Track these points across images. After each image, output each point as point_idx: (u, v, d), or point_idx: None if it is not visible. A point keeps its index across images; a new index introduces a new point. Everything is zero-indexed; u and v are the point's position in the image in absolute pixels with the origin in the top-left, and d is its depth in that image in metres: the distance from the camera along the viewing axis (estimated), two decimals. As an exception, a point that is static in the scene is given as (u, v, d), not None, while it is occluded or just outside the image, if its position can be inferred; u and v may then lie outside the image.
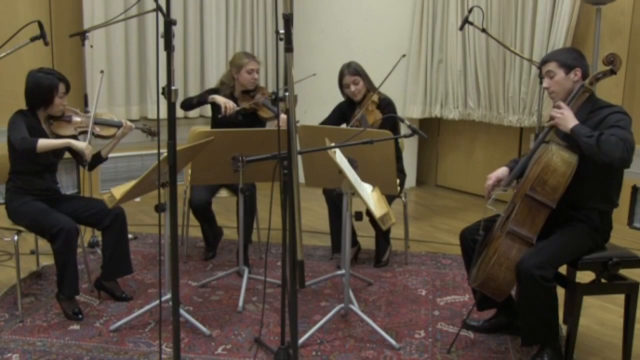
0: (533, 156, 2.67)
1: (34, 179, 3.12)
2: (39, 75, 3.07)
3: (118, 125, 3.34)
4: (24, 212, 3.06)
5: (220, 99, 3.76)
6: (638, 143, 4.38)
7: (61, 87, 3.10)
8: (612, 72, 2.57)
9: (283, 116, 3.74)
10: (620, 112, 2.51)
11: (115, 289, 3.27)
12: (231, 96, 3.88)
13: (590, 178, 2.53)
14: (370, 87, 3.84)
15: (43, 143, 2.96)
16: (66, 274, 3.00)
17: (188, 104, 3.93)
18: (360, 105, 3.83)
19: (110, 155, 3.41)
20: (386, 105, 3.81)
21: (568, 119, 2.49)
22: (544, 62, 2.67)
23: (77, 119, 3.26)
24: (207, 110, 4.15)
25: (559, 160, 2.48)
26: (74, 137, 3.20)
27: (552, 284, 2.46)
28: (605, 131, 2.41)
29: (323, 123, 3.92)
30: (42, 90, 3.06)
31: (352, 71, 3.79)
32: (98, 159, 3.32)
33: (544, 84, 2.67)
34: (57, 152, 3.17)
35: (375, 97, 3.80)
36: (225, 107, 3.71)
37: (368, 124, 3.70)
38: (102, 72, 3.68)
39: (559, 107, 2.55)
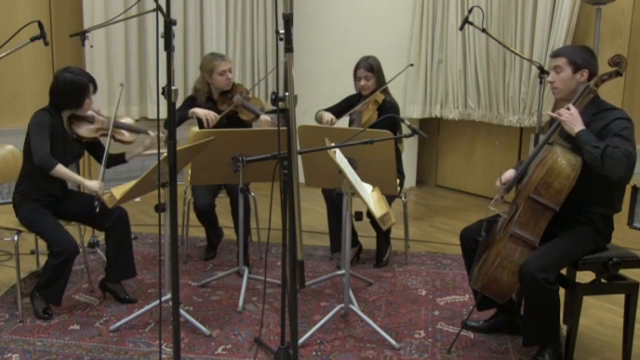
0: (536, 158, 2.66)
1: (45, 182, 3.08)
2: (69, 77, 3.02)
3: (138, 131, 3.33)
4: (33, 220, 3.04)
5: (200, 112, 3.64)
6: (638, 144, 4.40)
7: (91, 88, 3.08)
8: (618, 73, 2.55)
9: (263, 117, 3.74)
10: (624, 118, 2.49)
11: (119, 291, 3.26)
12: (210, 100, 3.82)
13: (593, 182, 2.52)
14: (380, 87, 3.83)
15: (60, 169, 2.93)
16: (56, 284, 3.00)
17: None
18: (365, 99, 3.84)
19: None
20: (389, 108, 3.81)
21: (576, 121, 2.48)
22: (555, 55, 2.64)
23: (97, 123, 3.22)
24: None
25: (564, 162, 2.46)
26: (95, 139, 3.21)
27: (555, 287, 2.46)
28: (610, 141, 2.39)
29: (329, 109, 3.93)
30: (73, 93, 3.02)
31: (366, 66, 3.80)
32: (121, 160, 3.34)
33: (549, 78, 2.65)
34: (75, 154, 3.18)
35: (379, 98, 3.79)
36: (207, 120, 3.61)
37: (360, 122, 3.71)
38: (121, 85, 3.50)
39: (567, 109, 2.53)
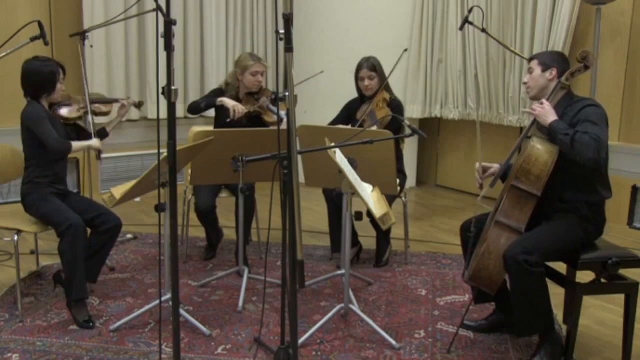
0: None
1: (51, 167, 3.14)
2: (37, 64, 3.09)
3: (112, 101, 3.69)
4: (39, 206, 3.06)
5: (229, 103, 3.70)
6: (636, 142, 4.41)
7: (60, 73, 3.16)
8: (586, 67, 2.65)
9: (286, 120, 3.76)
10: (593, 105, 2.59)
11: None
12: (236, 98, 3.85)
13: (572, 170, 2.59)
14: (384, 86, 3.85)
15: (76, 146, 3.12)
16: (75, 275, 2.95)
17: (196, 108, 3.83)
18: (370, 100, 3.84)
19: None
20: (396, 106, 3.83)
21: (548, 114, 2.58)
22: (530, 59, 2.80)
23: (75, 103, 3.41)
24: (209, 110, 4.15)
25: (541, 149, 2.56)
26: (79, 118, 3.38)
27: (538, 270, 2.48)
28: (580, 127, 2.48)
29: (332, 122, 3.93)
30: (43, 78, 3.09)
31: (369, 66, 3.81)
32: (104, 133, 3.53)
33: (524, 79, 2.80)
34: (70, 138, 3.24)
35: (386, 96, 3.82)
36: (234, 111, 3.66)
37: (377, 119, 3.71)
38: (91, 46, 3.98)
39: (541, 104, 2.64)
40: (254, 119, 3.84)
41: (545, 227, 2.62)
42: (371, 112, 3.76)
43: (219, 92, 3.92)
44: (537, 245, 2.50)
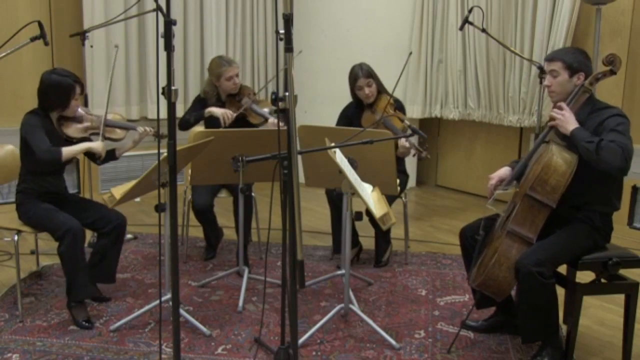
0: (533, 156, 2.68)
1: (44, 179, 3.10)
2: (55, 77, 3.02)
3: (127, 128, 3.43)
4: (32, 214, 3.04)
5: (217, 111, 3.71)
6: (636, 142, 4.40)
7: (77, 89, 3.08)
8: (612, 72, 2.58)
9: (272, 120, 3.76)
10: (619, 114, 2.51)
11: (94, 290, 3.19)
12: (218, 102, 3.86)
13: (590, 180, 2.54)
14: (381, 89, 3.82)
15: (67, 152, 2.99)
16: (77, 277, 2.95)
17: (186, 124, 3.84)
18: (371, 107, 3.80)
19: None
20: (400, 107, 3.82)
21: (569, 121, 2.50)
22: (550, 59, 2.65)
23: (87, 122, 3.25)
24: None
25: (559, 160, 2.48)
26: (85, 139, 3.20)
27: (550, 281, 2.47)
28: (605, 136, 2.42)
29: None
30: (59, 93, 3.03)
31: (365, 73, 3.74)
32: (111, 157, 3.38)
33: (546, 82, 2.67)
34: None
35: (390, 100, 3.78)
36: (224, 119, 3.68)
37: (396, 128, 3.60)
38: (116, 46, 3.74)
39: (560, 108, 2.56)
40: (240, 121, 3.82)
41: (557, 237, 2.57)
42: (385, 119, 3.65)
43: (201, 100, 3.92)
44: (549, 256, 2.48)
